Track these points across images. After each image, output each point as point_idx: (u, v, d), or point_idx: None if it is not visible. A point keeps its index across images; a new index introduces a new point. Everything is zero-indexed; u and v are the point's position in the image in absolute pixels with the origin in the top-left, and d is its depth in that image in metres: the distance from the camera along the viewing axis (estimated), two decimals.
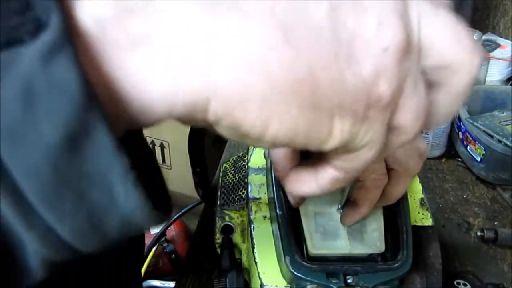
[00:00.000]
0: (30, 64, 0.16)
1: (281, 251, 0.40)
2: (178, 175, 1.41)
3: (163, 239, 1.42)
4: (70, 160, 0.17)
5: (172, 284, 1.28)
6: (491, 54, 0.96)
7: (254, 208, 0.47)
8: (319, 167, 0.28)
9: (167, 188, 0.25)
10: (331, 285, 0.38)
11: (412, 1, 0.23)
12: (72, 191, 0.18)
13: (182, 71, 0.19)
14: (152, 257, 1.38)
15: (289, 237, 0.40)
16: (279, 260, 0.42)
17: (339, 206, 0.42)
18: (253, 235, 0.45)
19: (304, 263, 0.38)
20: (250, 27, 0.19)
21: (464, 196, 0.74)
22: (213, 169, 0.57)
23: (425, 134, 0.79)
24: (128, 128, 0.20)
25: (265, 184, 0.48)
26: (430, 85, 0.24)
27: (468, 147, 0.78)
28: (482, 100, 0.86)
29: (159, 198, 0.21)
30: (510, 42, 1.02)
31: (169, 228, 1.04)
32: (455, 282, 0.56)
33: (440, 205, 0.72)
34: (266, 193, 0.48)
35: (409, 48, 0.22)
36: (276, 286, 0.42)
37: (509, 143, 0.71)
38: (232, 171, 0.58)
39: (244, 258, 0.49)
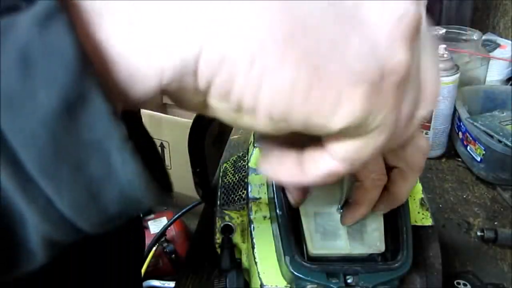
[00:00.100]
0: (27, 31, 0.16)
1: (281, 251, 0.40)
2: (178, 175, 1.41)
3: (163, 239, 1.42)
4: (67, 127, 0.17)
5: (172, 284, 1.28)
6: (491, 54, 0.96)
7: (254, 208, 0.47)
8: (310, 154, 0.24)
9: (168, 175, 0.25)
10: (331, 285, 0.38)
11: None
12: (70, 160, 0.18)
13: (167, 33, 0.18)
14: (152, 257, 1.38)
15: (289, 237, 0.40)
16: (279, 260, 0.42)
17: (339, 206, 0.42)
18: (253, 235, 0.45)
19: (304, 263, 0.38)
20: None
21: (464, 196, 0.74)
22: (213, 169, 0.57)
23: (425, 134, 0.79)
24: (122, 102, 0.20)
25: (265, 184, 0.48)
26: None
27: (468, 147, 0.78)
28: (482, 100, 0.86)
29: (159, 179, 0.21)
30: (510, 42, 1.02)
31: (169, 228, 1.04)
32: (455, 282, 0.56)
33: (440, 205, 0.72)
34: (266, 193, 0.48)
35: (420, 25, 0.21)
36: (276, 286, 0.42)
37: (509, 143, 0.71)
38: (232, 171, 0.58)
39: (244, 258, 0.49)
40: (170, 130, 1.47)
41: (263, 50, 0.19)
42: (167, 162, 1.55)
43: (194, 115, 0.45)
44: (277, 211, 0.41)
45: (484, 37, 1.01)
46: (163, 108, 1.68)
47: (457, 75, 0.76)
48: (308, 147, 0.25)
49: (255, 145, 0.52)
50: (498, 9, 1.13)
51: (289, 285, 0.42)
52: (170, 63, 0.19)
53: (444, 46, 0.77)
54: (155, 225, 1.50)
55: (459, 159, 0.82)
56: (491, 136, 0.73)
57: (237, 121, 0.21)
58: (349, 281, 0.39)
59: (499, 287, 0.56)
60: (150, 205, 0.21)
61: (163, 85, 0.19)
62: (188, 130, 0.45)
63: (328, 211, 0.41)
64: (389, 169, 0.37)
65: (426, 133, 0.79)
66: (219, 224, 0.52)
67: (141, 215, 1.27)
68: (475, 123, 0.76)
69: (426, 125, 0.78)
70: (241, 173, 0.56)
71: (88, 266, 0.41)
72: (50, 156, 0.17)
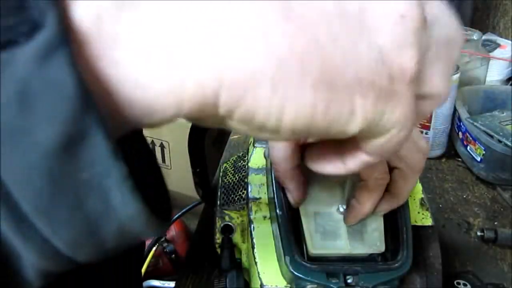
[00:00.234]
0: (26, 65, 0.16)
1: (281, 251, 0.40)
2: (178, 175, 1.41)
3: (163, 239, 1.42)
4: (65, 165, 0.17)
5: (172, 284, 1.28)
6: (491, 54, 0.96)
7: (254, 208, 0.47)
8: (348, 150, 0.26)
9: (167, 188, 0.25)
10: (331, 285, 0.38)
11: None
12: (68, 199, 0.17)
13: (186, 65, 0.18)
14: (152, 257, 1.38)
15: (289, 237, 0.40)
16: (279, 260, 0.42)
17: (340, 206, 0.42)
18: (253, 235, 0.45)
19: (304, 263, 0.38)
20: (246, 8, 0.18)
21: (464, 196, 0.74)
22: (213, 169, 0.57)
23: (425, 134, 0.79)
24: (131, 129, 0.19)
25: (265, 184, 0.48)
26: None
27: (468, 147, 0.78)
28: (482, 100, 0.86)
29: (158, 203, 0.20)
30: (510, 42, 1.02)
31: (169, 228, 1.04)
32: (455, 282, 0.56)
33: (440, 205, 0.72)
34: (266, 193, 0.48)
35: (425, 18, 0.21)
36: (276, 286, 0.42)
37: (509, 143, 0.71)
38: (232, 171, 0.58)
39: (244, 258, 0.49)
40: (170, 130, 1.47)
41: (283, 76, 0.19)
42: (167, 162, 1.55)
43: None
44: (277, 211, 0.41)
45: (484, 37, 1.01)
46: None
47: (457, 75, 0.76)
48: (345, 143, 0.26)
49: (255, 145, 0.52)
50: (498, 9, 1.13)
51: (289, 285, 0.42)
52: (190, 94, 0.18)
53: None
54: None
55: (459, 159, 0.82)
56: (491, 136, 0.73)
57: (258, 137, 0.22)
58: (349, 281, 0.39)
59: (499, 287, 0.56)
60: (149, 236, 0.20)
61: (182, 115, 0.19)
62: (188, 130, 0.45)
63: (328, 211, 0.41)
64: (390, 170, 0.38)
65: (426, 133, 0.79)
66: (219, 224, 0.52)
67: None
68: (475, 123, 0.76)
69: (426, 125, 0.78)
70: (241, 173, 0.56)
71: (87, 266, 0.41)
72: (46, 196, 0.17)
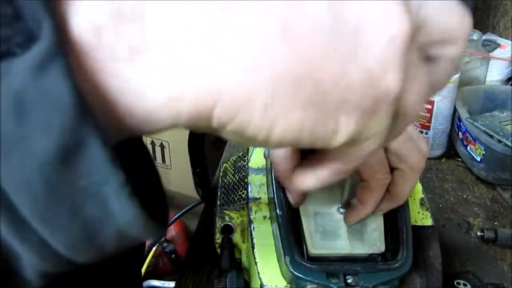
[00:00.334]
0: (21, 77, 0.16)
1: (281, 251, 0.40)
2: (178, 175, 1.41)
3: (163, 239, 1.42)
4: (62, 174, 0.17)
5: (172, 284, 1.28)
6: (491, 54, 0.96)
7: (254, 208, 0.47)
8: (318, 161, 0.27)
9: (164, 191, 0.25)
10: (331, 285, 0.38)
11: None
12: (66, 205, 0.17)
13: (184, 79, 0.18)
14: (152, 257, 1.38)
15: (289, 237, 0.40)
16: (279, 260, 0.42)
17: (340, 206, 0.42)
18: (253, 235, 0.45)
19: (304, 263, 0.38)
20: (246, 26, 0.18)
21: (464, 196, 0.74)
22: (213, 169, 0.57)
23: (425, 134, 0.79)
24: (129, 136, 0.20)
25: (265, 184, 0.48)
26: (428, 58, 0.24)
27: (468, 147, 0.78)
28: (482, 100, 0.86)
29: (155, 207, 0.21)
30: (510, 42, 1.02)
31: (169, 228, 1.04)
32: (455, 282, 0.56)
33: (440, 205, 0.72)
34: (266, 193, 0.48)
35: (414, 37, 0.21)
36: (276, 286, 0.42)
37: (509, 143, 0.71)
38: (232, 171, 0.58)
39: (244, 258, 0.49)
40: (170, 130, 1.47)
41: (276, 94, 0.19)
42: (167, 162, 1.55)
43: None
44: (277, 211, 0.41)
45: (484, 37, 1.01)
46: None
47: (457, 75, 0.76)
48: (316, 155, 0.28)
49: (265, 155, 0.52)
50: (498, 9, 1.13)
51: (289, 285, 0.42)
52: (187, 108, 0.19)
53: None
54: None
55: (459, 159, 0.82)
56: (491, 136, 0.73)
57: (248, 145, 0.22)
58: (349, 281, 0.39)
59: (499, 287, 0.56)
60: (146, 240, 0.21)
61: (177, 124, 0.20)
62: (188, 130, 0.45)
63: (328, 211, 0.41)
64: (390, 170, 0.38)
65: (426, 133, 0.79)
66: (219, 224, 0.52)
67: None
68: (475, 123, 0.76)
69: (426, 125, 0.78)
70: (241, 173, 0.56)
71: (87, 266, 0.41)
72: (44, 202, 0.17)
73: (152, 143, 1.52)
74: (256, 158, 0.51)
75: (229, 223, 0.52)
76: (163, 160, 1.54)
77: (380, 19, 0.20)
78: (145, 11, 0.18)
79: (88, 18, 0.17)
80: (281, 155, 0.34)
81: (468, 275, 0.58)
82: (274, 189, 0.42)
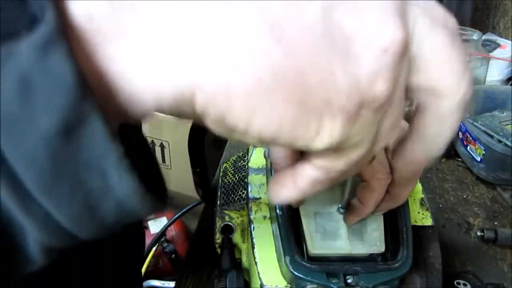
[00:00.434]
0: (27, 57, 0.17)
1: (281, 251, 0.40)
2: (178, 175, 1.41)
3: (163, 239, 1.42)
4: (66, 148, 0.18)
5: (172, 284, 1.28)
6: (491, 54, 0.96)
7: (254, 208, 0.47)
8: (298, 168, 0.27)
9: (166, 184, 0.26)
10: (331, 285, 0.38)
11: (412, 7, 0.23)
12: (68, 178, 0.18)
13: (168, 64, 0.19)
14: (152, 257, 1.38)
15: (289, 237, 0.40)
16: (279, 260, 0.42)
17: (340, 206, 0.42)
18: (253, 235, 0.45)
19: (304, 263, 0.38)
20: (238, 23, 0.19)
21: (464, 196, 0.74)
22: (213, 169, 0.57)
23: None
24: (120, 120, 0.20)
25: (265, 184, 0.48)
26: (417, 107, 0.24)
27: (468, 147, 0.78)
28: (482, 100, 0.86)
29: (154, 188, 0.21)
30: (510, 42, 1.02)
31: (169, 228, 1.04)
32: (455, 282, 0.56)
33: (440, 205, 0.72)
34: (266, 193, 0.48)
35: (407, 50, 0.21)
36: (276, 286, 0.42)
37: (509, 143, 0.71)
38: (232, 171, 0.58)
39: (244, 258, 0.49)
40: (170, 130, 1.47)
41: (257, 87, 0.19)
42: (167, 162, 1.55)
43: None
44: (277, 211, 0.41)
45: (484, 37, 1.01)
46: None
47: None
48: (296, 163, 0.27)
49: (265, 155, 0.52)
50: (498, 9, 1.13)
51: (289, 285, 0.42)
52: (168, 91, 0.19)
53: None
54: (155, 225, 1.50)
55: (459, 159, 0.82)
56: (491, 136, 0.73)
57: (229, 137, 0.23)
58: (349, 281, 0.39)
59: (499, 287, 0.56)
60: (146, 215, 0.21)
61: (161, 108, 0.20)
62: (188, 130, 0.45)
63: (328, 211, 0.41)
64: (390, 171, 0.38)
65: None
66: (219, 224, 0.52)
67: None
68: (475, 123, 0.76)
69: None
70: (241, 173, 0.56)
71: (87, 266, 0.41)
72: (49, 175, 0.18)
73: (152, 143, 1.53)
74: (256, 158, 0.51)
75: (229, 223, 0.52)
76: (163, 160, 1.54)
77: (374, 29, 0.20)
78: (137, 1, 0.19)
79: (85, 6, 0.18)
80: (281, 155, 0.34)
81: (468, 275, 0.58)
82: None
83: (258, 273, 0.43)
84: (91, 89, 0.18)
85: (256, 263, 0.43)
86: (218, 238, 0.51)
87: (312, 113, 0.21)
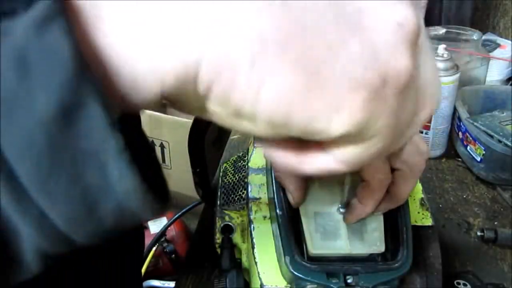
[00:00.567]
0: (24, 33, 0.16)
1: (281, 251, 0.40)
2: (178, 175, 1.41)
3: (163, 239, 1.42)
4: (63, 134, 0.17)
5: (172, 284, 1.28)
6: (491, 54, 0.96)
7: (254, 208, 0.47)
8: (310, 150, 0.24)
9: (167, 184, 0.25)
10: (331, 285, 0.38)
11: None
12: (66, 171, 0.18)
13: (169, 40, 0.18)
14: (152, 257, 1.38)
15: (289, 237, 0.40)
16: (279, 260, 0.42)
17: (340, 205, 0.42)
18: (253, 235, 0.45)
19: (304, 263, 0.38)
20: None
21: (464, 196, 0.74)
22: (213, 169, 0.57)
23: (425, 134, 0.79)
24: (123, 107, 0.19)
25: (265, 184, 0.48)
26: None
27: (468, 147, 0.78)
28: (482, 100, 0.86)
29: (157, 189, 0.20)
30: (510, 42, 1.02)
31: (169, 228, 1.04)
32: (455, 282, 0.56)
33: (440, 205, 0.72)
34: (266, 193, 0.48)
35: (419, 34, 0.21)
36: (276, 286, 0.42)
37: (509, 143, 0.71)
38: (232, 171, 0.58)
39: (244, 258, 0.49)
40: (170, 130, 1.47)
41: (263, 52, 0.18)
42: (167, 162, 1.55)
43: None
44: (277, 211, 0.41)
45: (484, 37, 1.01)
46: (163, 108, 1.68)
47: (457, 75, 0.76)
48: (309, 145, 0.24)
49: (255, 145, 0.52)
50: (498, 9, 1.13)
51: (289, 285, 0.42)
52: (172, 68, 0.19)
53: (444, 46, 0.77)
54: (155, 225, 1.49)
55: (459, 159, 0.82)
56: (491, 136, 0.73)
57: (236, 126, 0.21)
58: (349, 281, 0.39)
59: (499, 287, 0.56)
60: (146, 218, 0.20)
61: (164, 91, 0.19)
62: (188, 130, 0.45)
63: (328, 211, 0.41)
64: (392, 171, 0.38)
65: (426, 133, 0.79)
66: (219, 224, 0.52)
67: None
68: (475, 123, 0.76)
69: (426, 125, 0.78)
70: (241, 173, 0.56)
71: (87, 266, 0.41)
72: (45, 167, 0.17)
73: (152, 143, 1.52)
74: (256, 158, 0.51)
75: (229, 223, 0.52)
76: (163, 160, 1.54)
77: (387, 4, 0.20)
78: None
79: None
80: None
81: (468, 275, 0.58)
82: (274, 189, 0.42)
83: (258, 273, 0.43)
84: (91, 69, 0.17)
85: (256, 263, 0.43)
86: (218, 238, 0.51)
87: (326, 86, 0.19)
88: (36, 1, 0.16)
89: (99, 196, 0.18)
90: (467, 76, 0.89)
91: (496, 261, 0.62)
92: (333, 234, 0.41)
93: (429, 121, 0.78)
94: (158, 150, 1.53)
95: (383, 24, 0.20)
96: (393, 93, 0.20)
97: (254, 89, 0.19)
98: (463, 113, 0.79)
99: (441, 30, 0.91)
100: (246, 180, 0.51)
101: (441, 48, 0.77)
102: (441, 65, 0.75)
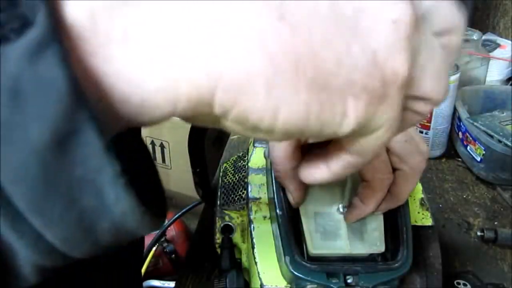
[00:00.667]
0: (17, 62, 0.16)
1: (281, 251, 0.40)
2: (178, 175, 1.41)
3: (163, 239, 1.42)
4: (58, 162, 0.17)
5: (172, 284, 1.28)
6: (491, 54, 0.96)
7: (254, 208, 0.47)
8: (331, 152, 0.26)
9: (163, 189, 0.25)
10: (331, 285, 0.38)
11: None
12: (61, 196, 0.17)
13: (181, 63, 0.18)
14: (152, 257, 1.38)
15: (289, 237, 0.40)
16: (279, 260, 0.42)
17: (341, 205, 0.42)
18: (253, 235, 0.45)
19: (304, 263, 0.38)
20: (243, 10, 0.18)
21: (464, 196, 0.74)
22: (213, 169, 0.57)
23: (425, 134, 0.79)
24: (126, 127, 0.19)
25: (265, 184, 0.48)
26: None
27: (468, 147, 0.78)
28: (482, 100, 0.86)
29: (153, 202, 0.20)
30: (510, 42, 1.02)
31: (169, 228, 1.04)
32: (455, 282, 0.56)
33: (440, 205, 0.72)
34: (266, 193, 0.48)
35: (417, 21, 0.21)
36: (276, 286, 0.42)
37: (509, 143, 0.71)
38: (232, 171, 0.58)
39: (244, 258, 0.49)
40: (170, 130, 1.47)
41: (278, 78, 0.19)
42: (167, 162, 1.55)
43: None
44: (277, 211, 0.41)
45: (484, 37, 1.01)
46: None
47: (457, 75, 0.76)
48: (329, 147, 0.27)
49: (255, 145, 0.52)
50: (498, 9, 1.13)
51: (289, 285, 0.42)
52: (185, 94, 0.18)
53: None
54: None
55: (459, 159, 0.82)
56: (491, 136, 0.73)
57: (251, 136, 0.22)
58: (349, 281, 0.39)
59: (499, 287, 0.56)
60: (144, 234, 0.20)
61: (177, 113, 0.19)
62: (188, 130, 0.45)
63: (328, 211, 0.41)
64: (393, 170, 0.38)
65: (426, 133, 0.79)
66: (219, 224, 0.52)
67: None
68: (475, 123, 0.76)
69: (426, 125, 0.78)
70: (241, 173, 0.56)
71: (87, 266, 0.41)
72: (39, 192, 0.17)
73: (152, 143, 1.52)
74: (256, 158, 0.51)
75: (229, 223, 0.52)
76: (163, 160, 1.54)
77: (382, 3, 0.20)
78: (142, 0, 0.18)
79: (83, 5, 0.17)
80: (281, 155, 0.34)
81: (468, 275, 0.58)
82: (274, 189, 0.42)
83: (258, 273, 0.43)
84: (88, 96, 0.17)
85: (256, 263, 0.43)
86: (218, 238, 0.51)
87: (336, 96, 0.20)
88: (28, 26, 0.16)
89: (96, 218, 0.18)
90: (467, 76, 0.89)
91: (496, 261, 0.62)
92: (333, 234, 0.41)
93: (429, 121, 0.78)
94: (158, 150, 1.53)
95: (379, 24, 0.20)
96: (393, 91, 0.21)
97: (271, 111, 0.20)
98: (463, 113, 0.79)
99: None
100: (246, 180, 0.51)
101: None
102: None
